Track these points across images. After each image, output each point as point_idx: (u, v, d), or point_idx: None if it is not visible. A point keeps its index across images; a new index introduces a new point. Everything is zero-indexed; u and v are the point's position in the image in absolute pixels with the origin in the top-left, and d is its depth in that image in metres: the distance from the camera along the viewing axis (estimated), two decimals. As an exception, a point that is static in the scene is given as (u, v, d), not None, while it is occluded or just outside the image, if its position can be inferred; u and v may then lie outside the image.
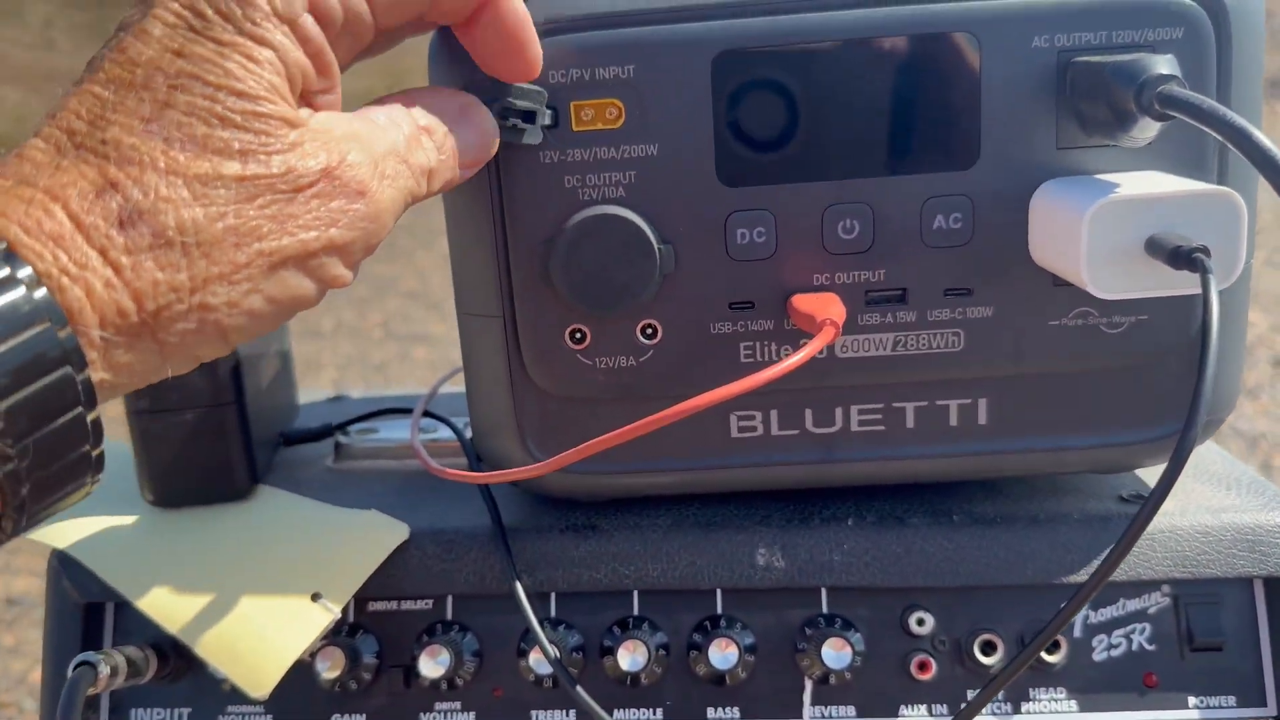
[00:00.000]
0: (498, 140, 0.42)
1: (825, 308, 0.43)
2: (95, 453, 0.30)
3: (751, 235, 0.45)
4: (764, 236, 0.45)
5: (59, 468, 0.29)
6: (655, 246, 0.44)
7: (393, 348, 3.11)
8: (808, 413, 0.48)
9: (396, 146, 0.36)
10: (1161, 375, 0.47)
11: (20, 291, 0.27)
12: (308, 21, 0.34)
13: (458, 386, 0.60)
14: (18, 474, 0.28)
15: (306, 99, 0.35)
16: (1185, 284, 0.39)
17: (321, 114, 0.35)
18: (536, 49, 0.41)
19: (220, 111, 0.31)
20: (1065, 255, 0.41)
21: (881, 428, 0.48)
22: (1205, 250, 0.37)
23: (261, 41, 0.32)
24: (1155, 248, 0.38)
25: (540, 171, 0.44)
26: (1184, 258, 0.37)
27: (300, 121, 0.33)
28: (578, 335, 0.46)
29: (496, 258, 0.46)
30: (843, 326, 0.42)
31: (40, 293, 0.28)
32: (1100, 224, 0.39)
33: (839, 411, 0.48)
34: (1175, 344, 0.46)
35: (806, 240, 0.45)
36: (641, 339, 0.46)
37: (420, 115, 0.38)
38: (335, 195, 0.33)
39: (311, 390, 0.74)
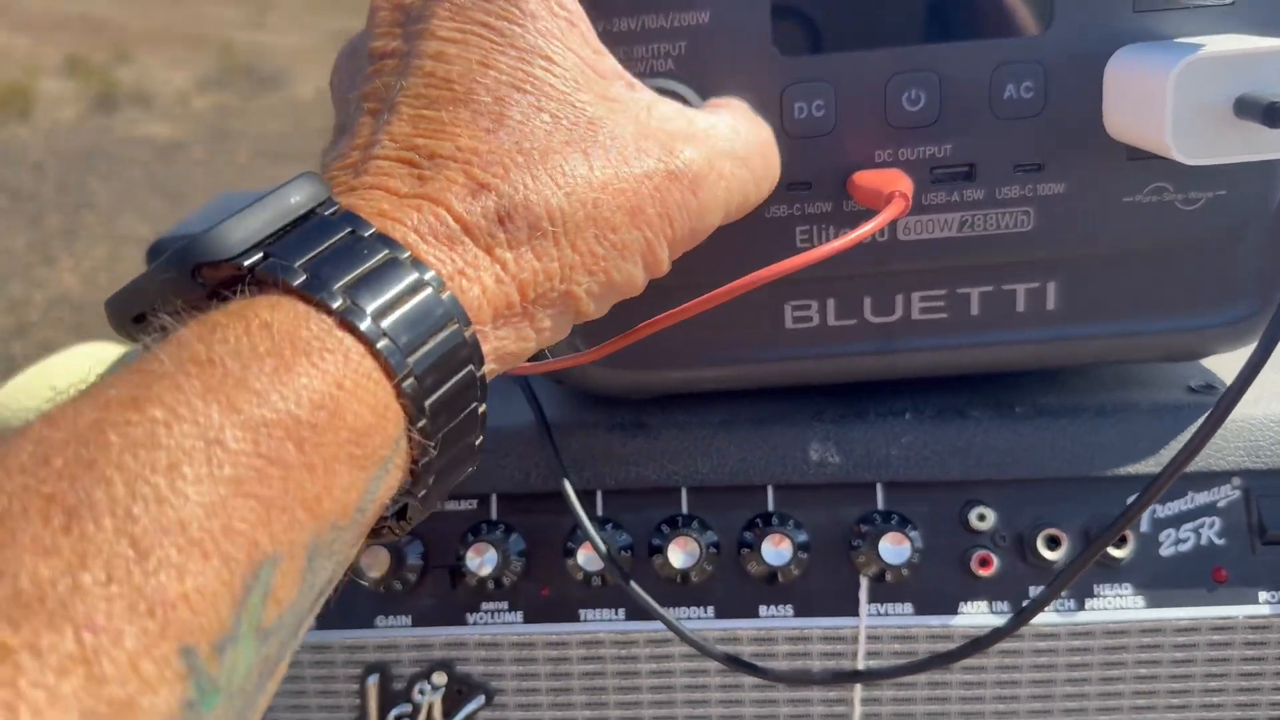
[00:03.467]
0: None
1: (892, 182, 0.41)
2: (479, 443, 0.31)
3: (810, 109, 0.42)
4: (823, 110, 0.42)
5: (455, 460, 0.30)
6: None
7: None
8: (866, 301, 0.46)
9: (734, 149, 0.37)
10: (1238, 254, 0.45)
11: (430, 293, 0.28)
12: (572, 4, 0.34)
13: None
14: (430, 466, 0.29)
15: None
16: (1278, 146, 0.37)
17: (662, 108, 0.35)
18: None
19: (548, 118, 0.32)
20: (1146, 121, 0.39)
21: (944, 315, 0.46)
22: (1304, 104, 0.35)
23: (550, 36, 0.33)
24: (1246, 107, 0.36)
25: None
26: (1280, 114, 0.35)
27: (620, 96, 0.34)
28: (626, 220, 0.44)
29: None
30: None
31: (447, 294, 0.29)
32: (1187, 83, 0.37)
33: (899, 299, 0.46)
34: (1253, 219, 0.44)
35: (869, 113, 0.42)
36: None
37: (761, 129, 0.40)
38: (673, 189, 0.34)
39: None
